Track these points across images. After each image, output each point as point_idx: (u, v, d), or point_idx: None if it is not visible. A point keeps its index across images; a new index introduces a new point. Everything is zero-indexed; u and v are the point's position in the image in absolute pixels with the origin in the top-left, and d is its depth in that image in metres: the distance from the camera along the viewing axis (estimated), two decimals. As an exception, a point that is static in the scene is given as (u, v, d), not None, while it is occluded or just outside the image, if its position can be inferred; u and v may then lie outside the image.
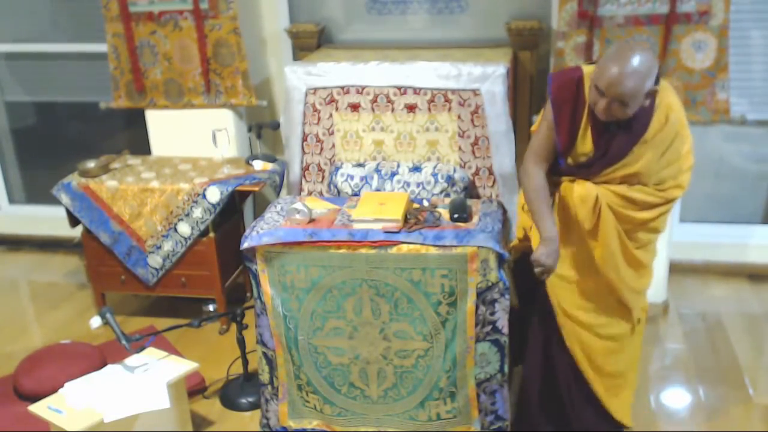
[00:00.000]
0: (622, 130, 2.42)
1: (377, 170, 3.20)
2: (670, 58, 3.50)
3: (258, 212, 4.35)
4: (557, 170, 2.58)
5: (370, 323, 2.66)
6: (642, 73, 2.27)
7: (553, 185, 2.59)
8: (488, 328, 2.59)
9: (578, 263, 2.58)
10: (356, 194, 3.14)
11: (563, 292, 2.60)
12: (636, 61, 2.26)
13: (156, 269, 3.71)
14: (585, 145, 2.48)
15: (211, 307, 3.93)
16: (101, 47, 4.13)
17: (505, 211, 2.81)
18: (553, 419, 2.80)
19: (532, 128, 2.77)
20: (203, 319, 3.19)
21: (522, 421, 2.88)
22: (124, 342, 2.83)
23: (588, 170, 2.50)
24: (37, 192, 4.93)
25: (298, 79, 3.32)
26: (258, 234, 2.64)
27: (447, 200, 2.86)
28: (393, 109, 3.23)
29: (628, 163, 2.45)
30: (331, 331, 2.70)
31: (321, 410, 2.84)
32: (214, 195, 3.54)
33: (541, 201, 2.48)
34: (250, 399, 3.22)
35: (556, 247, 2.40)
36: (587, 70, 2.49)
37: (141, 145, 4.22)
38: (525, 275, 2.75)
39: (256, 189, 3.62)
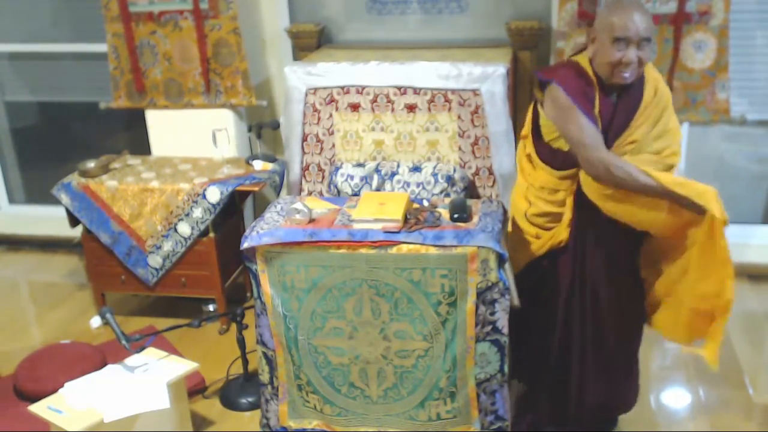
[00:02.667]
0: (621, 102, 2.48)
1: (377, 170, 3.20)
2: (669, 57, 3.50)
3: (258, 212, 4.35)
4: (564, 163, 2.54)
5: (370, 323, 2.66)
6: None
7: (563, 182, 2.58)
8: (488, 328, 2.59)
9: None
10: (356, 194, 3.14)
11: None
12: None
13: (156, 269, 3.71)
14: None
15: (211, 307, 3.93)
16: (101, 47, 4.13)
17: (505, 211, 2.81)
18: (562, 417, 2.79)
19: (524, 132, 2.72)
20: (203, 319, 3.19)
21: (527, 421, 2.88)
22: (124, 342, 2.83)
23: None
24: (37, 192, 4.93)
25: (298, 79, 3.32)
26: (258, 234, 2.64)
27: (447, 200, 2.86)
28: (393, 109, 3.23)
29: (628, 135, 2.48)
30: (331, 331, 2.70)
31: (321, 410, 2.84)
32: (214, 195, 3.54)
33: (652, 174, 2.34)
34: (250, 399, 3.22)
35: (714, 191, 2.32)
36: (577, 58, 2.55)
37: (141, 145, 4.22)
38: (532, 285, 2.75)
39: (256, 189, 3.62)
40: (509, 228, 2.90)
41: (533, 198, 2.68)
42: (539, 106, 2.57)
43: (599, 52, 2.43)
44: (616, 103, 2.49)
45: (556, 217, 2.66)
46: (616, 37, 2.36)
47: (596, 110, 2.46)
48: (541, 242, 2.70)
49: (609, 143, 2.47)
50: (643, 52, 2.39)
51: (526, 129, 2.69)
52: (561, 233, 2.62)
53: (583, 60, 2.52)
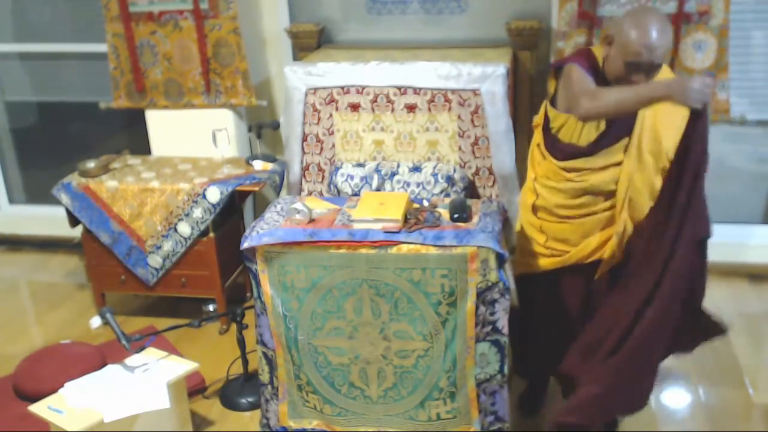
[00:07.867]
0: None
1: (377, 170, 3.20)
2: (669, 57, 3.50)
3: (258, 212, 4.35)
4: (561, 154, 2.61)
5: (370, 323, 2.66)
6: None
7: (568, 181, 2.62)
8: (488, 328, 2.59)
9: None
10: (356, 194, 3.14)
11: None
12: (660, 15, 2.37)
13: (156, 269, 3.71)
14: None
15: (211, 307, 3.93)
16: (101, 47, 4.13)
17: (505, 211, 2.81)
18: None
19: (535, 121, 2.77)
20: (203, 319, 3.19)
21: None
22: (124, 342, 2.84)
23: (604, 143, 2.56)
24: (37, 192, 4.92)
25: (298, 79, 3.32)
26: (258, 234, 2.64)
27: (447, 200, 2.86)
28: (393, 109, 3.23)
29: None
30: (331, 331, 2.70)
31: (321, 410, 2.84)
32: (214, 195, 3.54)
33: (624, 87, 2.37)
34: (250, 399, 3.22)
35: (679, 79, 2.37)
36: (593, 48, 2.59)
37: (141, 145, 4.22)
38: (529, 293, 2.78)
39: (256, 189, 3.62)
40: (517, 227, 2.92)
41: (540, 188, 2.74)
42: (547, 101, 2.65)
43: (611, 59, 2.45)
44: None
45: (561, 217, 2.71)
46: (628, 62, 2.37)
47: None
48: (560, 259, 2.73)
49: (610, 140, 2.54)
50: (652, 75, 2.40)
51: (540, 118, 2.73)
52: (591, 244, 2.66)
53: (597, 51, 2.57)
